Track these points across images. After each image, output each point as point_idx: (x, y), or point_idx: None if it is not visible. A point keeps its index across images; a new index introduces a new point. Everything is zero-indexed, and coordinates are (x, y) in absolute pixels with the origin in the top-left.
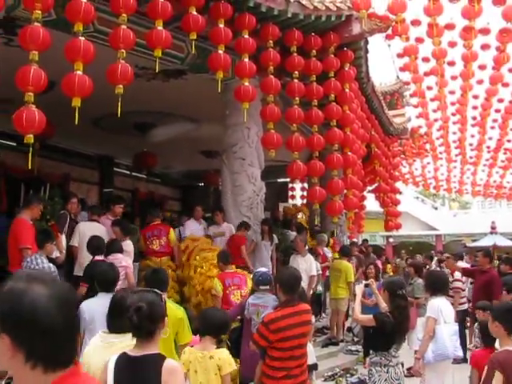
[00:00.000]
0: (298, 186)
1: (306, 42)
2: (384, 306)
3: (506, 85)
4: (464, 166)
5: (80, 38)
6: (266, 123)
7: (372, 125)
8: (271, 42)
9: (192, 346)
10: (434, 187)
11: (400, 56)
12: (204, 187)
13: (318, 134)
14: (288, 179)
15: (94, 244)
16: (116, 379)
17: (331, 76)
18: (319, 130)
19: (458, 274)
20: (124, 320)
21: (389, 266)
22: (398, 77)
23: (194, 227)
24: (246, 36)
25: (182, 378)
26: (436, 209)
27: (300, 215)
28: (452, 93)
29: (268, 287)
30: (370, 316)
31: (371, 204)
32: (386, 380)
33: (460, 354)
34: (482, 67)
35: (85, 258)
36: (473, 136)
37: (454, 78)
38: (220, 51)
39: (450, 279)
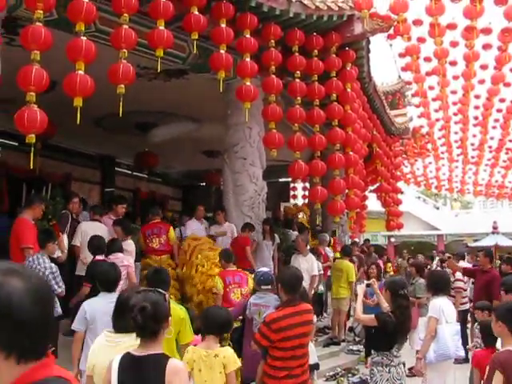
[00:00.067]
0: (299, 185)
1: (307, 42)
2: (386, 305)
3: (507, 84)
4: (466, 165)
5: (82, 37)
6: (267, 123)
7: (374, 124)
8: (273, 41)
9: (195, 345)
10: (435, 187)
11: (402, 56)
12: (205, 187)
13: (319, 133)
14: (290, 179)
15: (95, 244)
16: (120, 379)
17: (333, 76)
18: (321, 129)
19: (459, 274)
20: (129, 320)
21: (389, 264)
22: (399, 76)
23: (195, 227)
24: (248, 36)
25: (186, 378)
26: (438, 209)
27: (301, 215)
28: (454, 92)
29: (269, 287)
30: (372, 316)
31: (373, 204)
32: (387, 380)
33: (462, 353)
34: (484, 67)
35: (87, 257)
36: (475, 136)
37: (455, 77)
38: (222, 51)
39: (452, 279)
